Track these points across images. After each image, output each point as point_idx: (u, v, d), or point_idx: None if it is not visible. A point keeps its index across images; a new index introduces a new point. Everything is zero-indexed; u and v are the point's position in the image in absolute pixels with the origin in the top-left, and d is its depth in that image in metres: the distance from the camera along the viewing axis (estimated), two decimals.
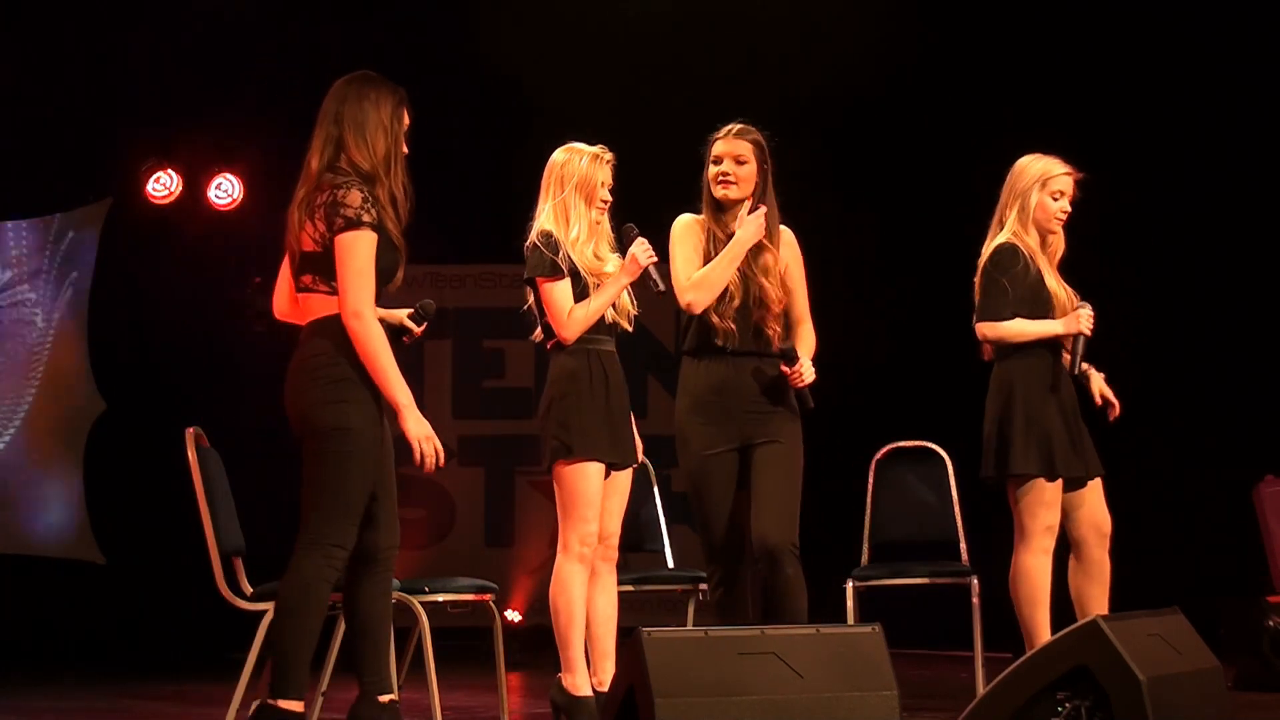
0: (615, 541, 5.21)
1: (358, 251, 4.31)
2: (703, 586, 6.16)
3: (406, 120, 4.55)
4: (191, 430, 5.24)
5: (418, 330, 4.80)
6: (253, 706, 4.41)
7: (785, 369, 5.08)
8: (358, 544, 4.47)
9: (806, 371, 5.08)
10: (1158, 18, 8.44)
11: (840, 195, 8.92)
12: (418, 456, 4.33)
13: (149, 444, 8.92)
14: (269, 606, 5.11)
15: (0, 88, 9.07)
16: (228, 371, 9.54)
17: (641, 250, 5.04)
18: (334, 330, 4.38)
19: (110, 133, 9.46)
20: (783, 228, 5.25)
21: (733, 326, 5.08)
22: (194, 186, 9.71)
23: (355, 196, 4.34)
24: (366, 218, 4.33)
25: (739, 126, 5.20)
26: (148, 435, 8.95)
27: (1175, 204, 8.54)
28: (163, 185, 9.69)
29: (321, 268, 4.38)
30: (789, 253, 5.24)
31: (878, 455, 6.60)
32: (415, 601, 5.37)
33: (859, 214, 9.03)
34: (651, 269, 5.03)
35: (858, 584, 6.13)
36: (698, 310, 5.09)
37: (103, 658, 9.02)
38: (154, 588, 9.27)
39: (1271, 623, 6.46)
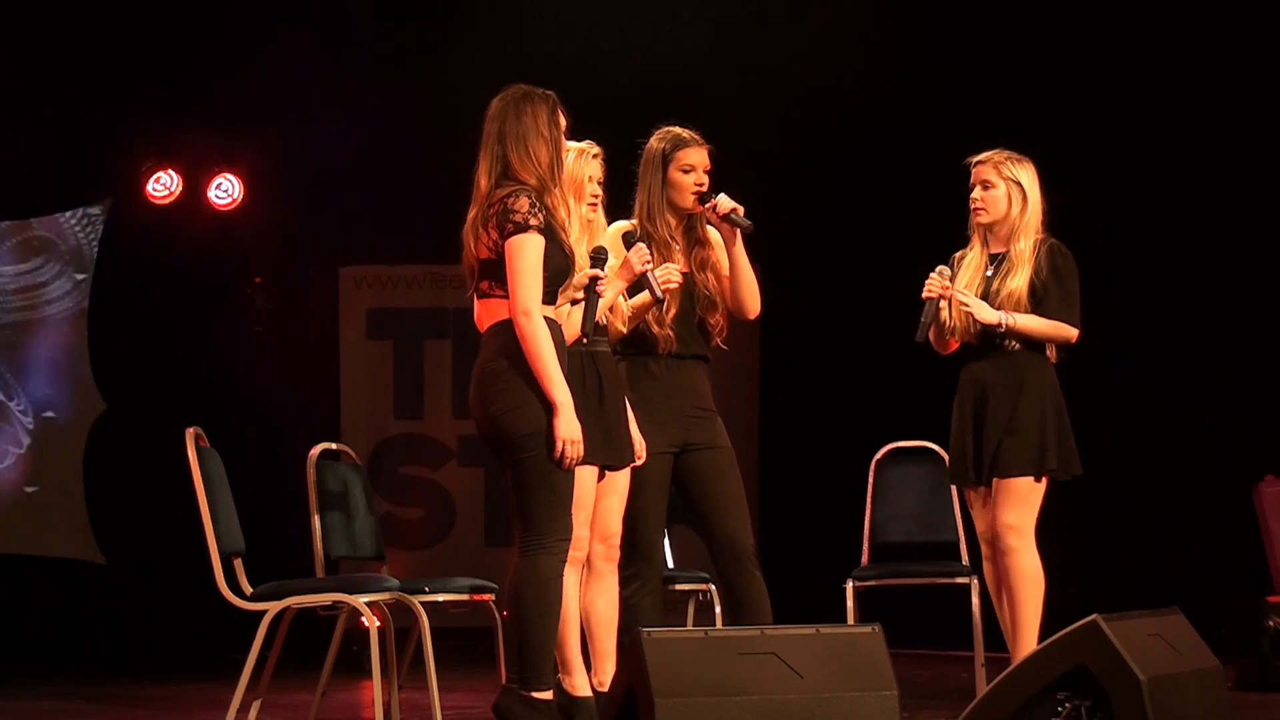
0: (617, 541, 5.20)
1: (526, 253, 4.48)
2: (701, 587, 6.16)
3: (564, 121, 4.68)
4: (191, 430, 5.24)
5: (603, 274, 4.80)
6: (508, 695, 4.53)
7: (708, 211, 5.09)
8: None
9: (722, 201, 5.09)
10: (1147, 27, 8.44)
11: (844, 196, 8.92)
12: (558, 453, 4.46)
13: (149, 444, 8.92)
14: (269, 606, 5.12)
15: (0, 88, 9.06)
16: (228, 371, 9.55)
17: (637, 256, 5.00)
18: (512, 333, 4.52)
19: (110, 133, 9.46)
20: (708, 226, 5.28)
21: (671, 333, 5.12)
22: (194, 186, 9.71)
23: (523, 202, 4.51)
24: (534, 221, 4.49)
25: (698, 134, 5.21)
26: (148, 435, 8.95)
27: (1175, 204, 8.54)
28: (163, 185, 9.68)
29: (496, 273, 4.54)
30: (719, 251, 5.26)
31: (878, 455, 6.60)
32: (415, 601, 5.37)
33: (863, 215, 9.04)
34: (649, 275, 5.00)
35: (858, 584, 6.14)
36: None
37: (103, 658, 9.02)
38: (154, 588, 9.27)
39: (1271, 623, 6.46)
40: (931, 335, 5.54)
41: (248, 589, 5.15)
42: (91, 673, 8.40)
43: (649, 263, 4.99)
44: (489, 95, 4.81)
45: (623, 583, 5.12)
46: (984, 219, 5.47)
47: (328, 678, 5.76)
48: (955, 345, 5.56)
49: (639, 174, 5.22)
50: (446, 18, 9.10)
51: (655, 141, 5.21)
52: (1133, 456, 8.57)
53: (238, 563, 5.19)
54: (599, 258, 4.84)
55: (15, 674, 8.13)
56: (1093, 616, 4.22)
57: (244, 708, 5.24)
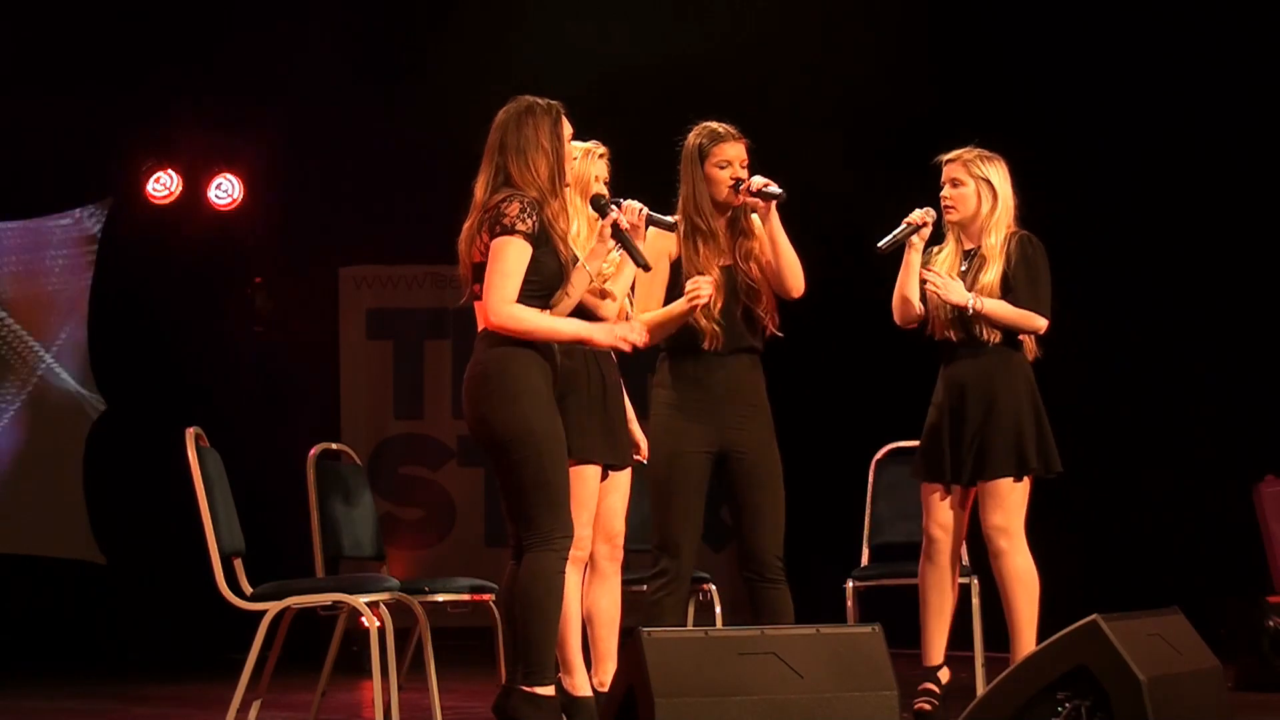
0: (620, 541, 5.19)
1: (506, 256, 4.52)
2: (702, 587, 6.16)
3: (568, 130, 4.72)
4: (191, 430, 5.24)
5: (614, 216, 4.80)
6: (511, 692, 4.56)
7: (746, 197, 5.09)
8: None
9: (754, 180, 5.10)
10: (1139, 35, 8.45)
11: (844, 197, 8.92)
12: (628, 346, 4.64)
13: (149, 444, 8.93)
14: (269, 606, 5.12)
15: (0, 88, 9.07)
16: (228, 371, 9.55)
17: (631, 214, 4.96)
18: (501, 335, 4.56)
19: (110, 133, 9.47)
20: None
21: (718, 329, 5.09)
22: (194, 186, 9.71)
23: (514, 207, 4.55)
24: (521, 226, 4.53)
25: (734, 130, 5.20)
26: (148, 435, 8.95)
27: (1176, 202, 8.55)
28: (163, 185, 9.69)
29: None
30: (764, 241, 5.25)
31: (877, 455, 6.59)
32: (415, 601, 5.38)
33: (863, 216, 9.03)
34: (652, 214, 4.99)
35: (858, 584, 6.13)
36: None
37: (103, 658, 9.02)
38: (154, 588, 9.27)
39: (1271, 623, 6.46)
40: (898, 301, 5.54)
41: (248, 589, 5.15)
42: (91, 673, 8.40)
43: (642, 209, 4.99)
44: (490, 95, 4.82)
45: (648, 579, 5.11)
46: (954, 216, 5.51)
47: (328, 678, 5.76)
48: (917, 321, 5.55)
49: (680, 170, 5.19)
50: (448, 18, 9.10)
51: (692, 137, 5.19)
52: (1132, 456, 8.57)
53: (238, 563, 5.19)
54: (600, 203, 4.85)
55: (16, 674, 8.13)
56: (1093, 616, 4.22)
57: (244, 708, 5.24)
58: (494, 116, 4.74)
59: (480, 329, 4.65)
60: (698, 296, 5.00)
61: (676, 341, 5.12)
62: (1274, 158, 8.31)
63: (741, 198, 5.13)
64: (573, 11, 8.79)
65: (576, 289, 4.77)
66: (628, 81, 8.68)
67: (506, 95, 4.80)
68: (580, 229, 5.14)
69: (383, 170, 9.48)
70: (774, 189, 5.08)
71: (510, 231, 4.51)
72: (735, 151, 5.16)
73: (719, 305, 5.08)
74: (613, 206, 4.88)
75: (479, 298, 4.63)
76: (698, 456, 5.06)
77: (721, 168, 5.15)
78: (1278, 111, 8.32)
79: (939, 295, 5.42)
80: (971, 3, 8.84)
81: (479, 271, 4.61)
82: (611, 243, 4.82)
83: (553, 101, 4.70)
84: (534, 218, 4.54)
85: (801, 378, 9.59)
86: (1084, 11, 8.59)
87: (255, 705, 5.41)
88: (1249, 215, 8.43)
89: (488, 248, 4.55)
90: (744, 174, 5.15)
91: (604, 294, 5.05)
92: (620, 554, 5.21)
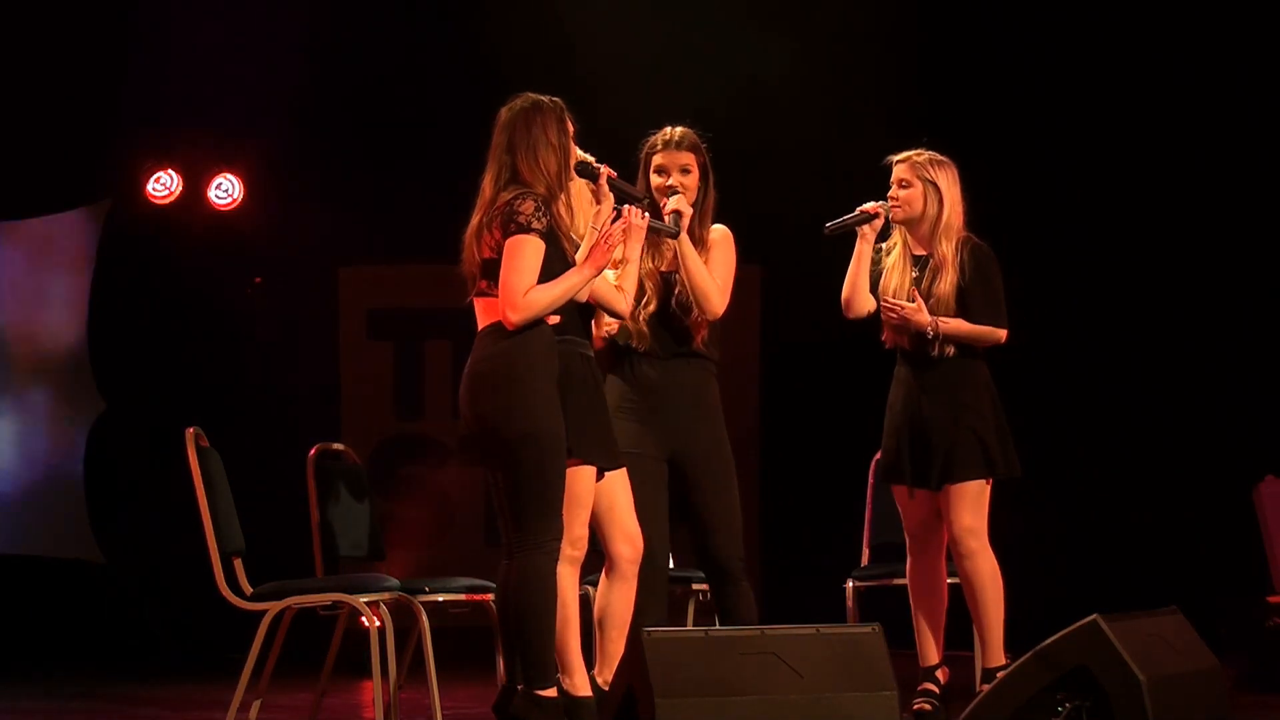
0: (640, 542, 5.12)
1: (523, 254, 4.53)
2: (702, 587, 6.15)
3: (572, 127, 4.75)
4: (191, 430, 5.25)
5: (604, 171, 4.81)
6: (515, 698, 4.61)
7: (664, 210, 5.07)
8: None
9: (670, 202, 5.08)
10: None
11: (844, 199, 8.92)
12: (620, 227, 4.67)
13: (149, 444, 8.92)
14: (269, 606, 5.13)
15: (1, 88, 9.06)
16: (228, 371, 9.55)
17: (637, 219, 4.91)
18: (506, 333, 4.57)
19: (110, 133, 9.46)
20: (717, 225, 5.25)
21: (645, 329, 5.10)
22: (194, 186, 9.71)
23: (529, 205, 4.56)
24: (536, 225, 4.55)
25: (678, 133, 5.19)
26: (148, 435, 8.95)
27: (1178, 204, 8.55)
28: (163, 185, 9.68)
29: (497, 273, 4.59)
30: (717, 251, 5.22)
31: (877, 455, 6.60)
32: (415, 601, 5.38)
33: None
34: (653, 222, 4.96)
35: (858, 584, 6.13)
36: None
37: (103, 658, 9.02)
38: (154, 588, 9.27)
39: (1271, 623, 6.46)
40: (847, 292, 5.53)
41: (248, 589, 5.16)
42: (91, 673, 8.39)
43: (644, 216, 4.97)
44: (490, 94, 4.82)
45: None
46: (899, 216, 5.51)
47: (328, 678, 5.77)
48: (866, 314, 5.55)
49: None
50: (447, 19, 9.10)
51: (645, 144, 5.24)
52: (1132, 456, 8.58)
53: (238, 562, 5.20)
54: (587, 169, 4.84)
55: (15, 674, 8.13)
56: (1093, 616, 4.23)
57: (244, 708, 5.25)
58: (495, 115, 4.75)
59: (482, 326, 4.64)
60: (611, 236, 4.95)
61: (615, 345, 5.15)
62: (1275, 156, 8.33)
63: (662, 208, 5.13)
64: (574, 11, 8.79)
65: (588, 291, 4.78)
66: (622, 77, 8.68)
67: (506, 94, 4.80)
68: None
69: (383, 170, 9.48)
70: (667, 224, 5.04)
71: (526, 230, 4.53)
72: (671, 159, 5.16)
73: (651, 308, 5.11)
74: (599, 167, 4.88)
75: (484, 294, 4.64)
76: (648, 460, 5.10)
77: (658, 173, 5.17)
78: None
79: (901, 321, 5.42)
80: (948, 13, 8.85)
81: (487, 268, 4.61)
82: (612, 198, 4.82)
83: (555, 98, 4.73)
84: (547, 216, 4.57)
85: (803, 377, 9.60)
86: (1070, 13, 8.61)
87: (255, 705, 5.42)
88: (1254, 215, 8.44)
89: (498, 244, 4.56)
90: (683, 181, 5.14)
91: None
92: (640, 554, 5.14)
